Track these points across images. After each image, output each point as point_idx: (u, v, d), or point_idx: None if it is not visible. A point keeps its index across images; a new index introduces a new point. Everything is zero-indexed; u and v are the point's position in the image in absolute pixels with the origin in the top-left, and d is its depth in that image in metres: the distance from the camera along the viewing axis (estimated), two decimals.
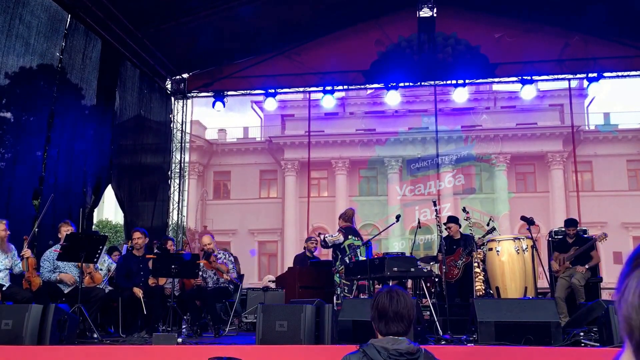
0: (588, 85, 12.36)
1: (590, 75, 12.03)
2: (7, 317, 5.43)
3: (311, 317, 5.22)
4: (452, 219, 9.16)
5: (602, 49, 11.92)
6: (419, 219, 10.23)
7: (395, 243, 24.49)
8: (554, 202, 26.15)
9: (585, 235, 8.83)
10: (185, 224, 14.29)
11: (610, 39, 11.84)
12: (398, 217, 8.66)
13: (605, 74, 12.03)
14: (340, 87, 13.29)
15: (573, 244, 8.41)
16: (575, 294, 8.02)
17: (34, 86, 9.16)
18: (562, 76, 12.92)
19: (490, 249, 7.69)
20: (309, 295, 8.11)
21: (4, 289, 6.65)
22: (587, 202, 20.86)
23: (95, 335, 6.51)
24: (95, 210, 10.95)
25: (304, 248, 10.38)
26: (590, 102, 27.90)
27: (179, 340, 5.63)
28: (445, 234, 8.78)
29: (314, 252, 10.31)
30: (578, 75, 12.90)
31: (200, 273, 8.05)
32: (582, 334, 5.54)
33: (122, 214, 12.23)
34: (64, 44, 9.55)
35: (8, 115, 8.98)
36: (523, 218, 8.10)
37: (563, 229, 9.42)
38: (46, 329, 5.40)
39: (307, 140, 22.16)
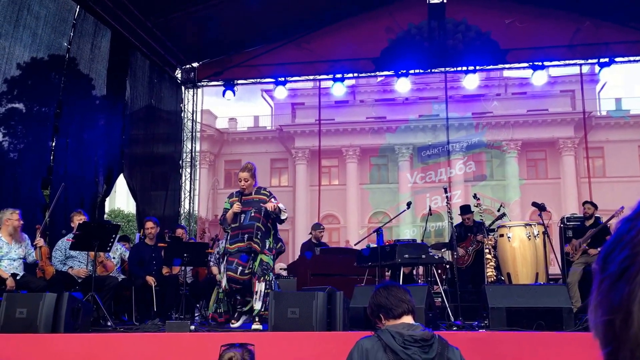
0: (599, 71, 12.26)
1: (601, 60, 11.94)
2: (21, 306, 5.48)
3: (323, 304, 5.25)
4: (469, 210, 9.19)
5: (614, 34, 11.81)
6: (430, 206, 10.21)
7: (407, 230, 24.50)
8: (565, 188, 26.02)
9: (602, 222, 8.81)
10: (196, 212, 14.34)
11: (621, 23, 11.72)
12: (409, 205, 8.65)
13: (617, 59, 11.94)
14: (351, 75, 13.26)
15: (590, 227, 8.42)
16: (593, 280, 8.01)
17: (45, 77, 9.20)
18: (574, 61, 12.82)
19: (502, 235, 7.68)
20: (320, 283, 8.13)
21: (18, 278, 6.72)
22: (598, 188, 20.69)
23: (109, 323, 6.56)
24: (107, 199, 11.02)
25: (310, 234, 10.36)
26: (602, 88, 27.69)
27: (192, 327, 5.68)
28: (457, 221, 8.79)
29: (321, 239, 10.27)
30: (589, 61, 12.79)
31: (212, 260, 8.11)
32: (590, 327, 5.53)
33: (134, 203, 12.30)
34: (72, 34, 9.57)
35: (20, 106, 9.04)
36: (534, 204, 8.08)
37: (575, 215, 9.41)
38: (60, 317, 5.45)
39: (318, 128, 22.10)
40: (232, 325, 6.14)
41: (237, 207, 6.22)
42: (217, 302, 6.59)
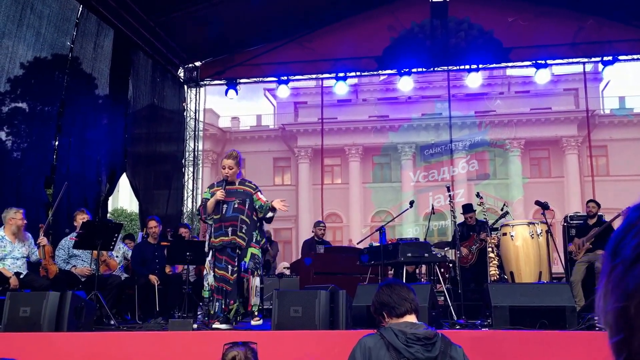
0: (603, 69, 12.24)
1: (605, 58, 11.91)
2: (25, 305, 5.49)
3: (325, 303, 5.24)
4: (471, 209, 9.18)
5: (617, 32, 11.78)
6: (432, 205, 10.20)
7: (409, 229, 24.46)
8: (568, 187, 25.97)
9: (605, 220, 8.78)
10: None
11: (624, 21, 11.70)
12: (412, 203, 8.65)
13: (620, 57, 11.91)
14: (353, 74, 13.25)
15: (594, 226, 8.40)
16: (597, 279, 7.98)
17: (48, 76, 9.22)
18: (577, 60, 12.81)
19: (505, 234, 7.67)
20: (323, 282, 8.14)
21: (21, 276, 6.74)
22: (602, 186, 20.66)
23: (112, 322, 6.58)
24: (110, 198, 11.04)
25: (312, 232, 10.35)
26: (606, 86, 27.61)
27: (195, 326, 5.68)
28: (460, 219, 8.78)
29: (322, 237, 10.25)
30: (593, 59, 12.76)
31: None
32: (597, 318, 5.52)
33: (137, 203, 12.31)
34: (75, 33, 9.58)
35: (23, 105, 9.06)
36: (537, 202, 8.07)
37: (578, 214, 9.39)
38: (64, 316, 5.45)
39: (320, 127, 22.15)
40: (213, 326, 5.73)
41: (220, 193, 5.77)
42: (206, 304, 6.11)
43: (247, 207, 5.86)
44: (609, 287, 0.67)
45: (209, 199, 5.90)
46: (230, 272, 5.77)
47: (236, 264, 5.78)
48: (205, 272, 5.98)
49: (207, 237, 6.04)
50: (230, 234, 5.77)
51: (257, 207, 5.91)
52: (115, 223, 7.81)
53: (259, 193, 5.99)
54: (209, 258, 5.91)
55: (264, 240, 6.06)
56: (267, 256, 7.94)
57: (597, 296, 0.71)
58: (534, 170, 27.33)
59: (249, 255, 5.81)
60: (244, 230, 5.80)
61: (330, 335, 5.08)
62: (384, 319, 2.73)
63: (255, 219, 5.93)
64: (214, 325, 5.77)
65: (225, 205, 5.83)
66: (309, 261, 9.11)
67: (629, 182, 24.65)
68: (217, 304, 5.84)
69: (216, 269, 5.81)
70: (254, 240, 5.86)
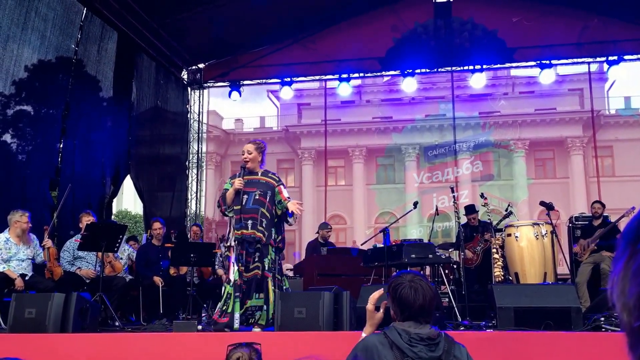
0: (608, 69, 12.18)
1: (610, 58, 11.84)
2: (30, 306, 5.51)
3: (329, 304, 5.24)
4: (473, 210, 9.15)
5: (622, 32, 11.73)
6: (436, 206, 10.18)
7: (413, 230, 24.45)
8: (573, 188, 25.92)
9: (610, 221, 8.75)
10: (203, 213, 14.36)
11: (630, 21, 11.65)
12: (415, 205, 8.63)
13: (626, 57, 11.85)
14: (356, 75, 13.23)
15: (599, 227, 8.37)
16: (602, 280, 7.95)
17: (52, 79, 9.25)
18: (582, 60, 12.74)
19: (509, 235, 7.65)
20: (326, 283, 8.13)
21: (26, 278, 6.75)
22: (608, 187, 20.58)
23: (116, 323, 6.59)
24: (115, 200, 11.05)
25: (317, 234, 10.32)
26: (611, 86, 27.54)
27: (199, 327, 5.67)
28: (463, 220, 8.76)
29: (328, 239, 10.22)
30: (598, 59, 12.70)
31: (217, 262, 8.10)
32: (602, 318, 5.49)
33: (141, 205, 12.33)
34: (79, 36, 9.61)
35: (28, 108, 9.09)
36: (542, 203, 8.05)
37: (584, 215, 9.36)
38: (69, 317, 5.47)
39: (324, 129, 22.15)
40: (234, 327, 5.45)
41: (238, 182, 5.44)
42: (224, 301, 5.62)
43: (268, 199, 5.51)
44: (630, 272, 0.65)
45: (228, 190, 5.59)
46: (246, 268, 5.49)
47: (257, 259, 5.47)
48: (231, 267, 5.59)
49: (229, 229, 5.69)
50: (250, 227, 5.43)
51: (276, 201, 5.59)
52: (120, 225, 7.83)
53: (281, 187, 5.63)
54: (235, 253, 5.55)
55: (280, 237, 5.65)
56: None
57: (611, 283, 0.69)
58: (538, 171, 27.29)
59: (268, 256, 5.49)
60: (264, 225, 5.44)
61: (334, 336, 5.07)
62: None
63: (275, 213, 5.57)
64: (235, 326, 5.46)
65: (245, 196, 5.48)
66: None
67: (634, 182, 24.58)
68: (235, 304, 5.50)
69: (239, 265, 5.49)
70: (272, 237, 5.52)
